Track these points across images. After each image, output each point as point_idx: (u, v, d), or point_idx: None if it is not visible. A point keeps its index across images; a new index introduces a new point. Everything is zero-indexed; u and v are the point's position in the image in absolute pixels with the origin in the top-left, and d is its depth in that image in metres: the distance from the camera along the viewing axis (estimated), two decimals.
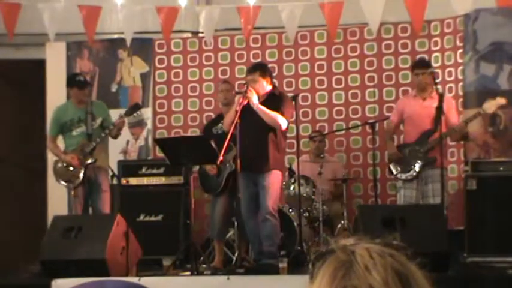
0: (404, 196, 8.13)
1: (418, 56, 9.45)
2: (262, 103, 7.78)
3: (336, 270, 1.44)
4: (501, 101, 8.17)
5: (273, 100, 7.79)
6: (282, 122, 7.65)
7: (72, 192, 8.49)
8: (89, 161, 8.31)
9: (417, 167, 8.06)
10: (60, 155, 8.50)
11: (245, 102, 7.57)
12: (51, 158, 8.99)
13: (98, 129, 8.43)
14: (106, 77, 10.34)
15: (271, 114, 7.59)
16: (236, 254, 8.25)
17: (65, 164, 8.42)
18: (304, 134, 9.55)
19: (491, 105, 8.17)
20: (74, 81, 8.57)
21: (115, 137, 8.55)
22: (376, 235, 1.54)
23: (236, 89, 8.74)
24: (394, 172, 8.28)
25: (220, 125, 8.35)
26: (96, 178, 8.44)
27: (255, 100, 7.56)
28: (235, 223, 8.18)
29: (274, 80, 8.24)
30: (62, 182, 8.48)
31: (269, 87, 7.85)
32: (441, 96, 7.92)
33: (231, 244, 8.62)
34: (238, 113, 7.49)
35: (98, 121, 8.45)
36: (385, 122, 8.75)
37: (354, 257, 1.45)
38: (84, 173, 8.33)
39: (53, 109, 8.86)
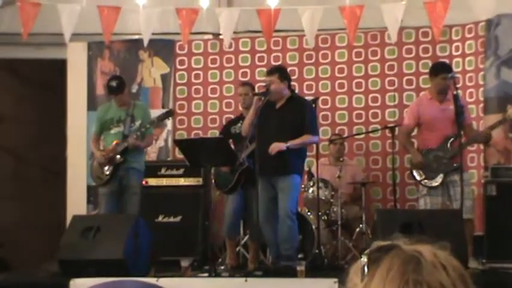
0: (431, 204, 7.92)
1: (439, 61, 9.30)
2: (281, 107, 7.81)
3: (404, 264, 1.46)
4: None
5: (293, 105, 7.80)
6: (315, 139, 8.00)
7: (100, 190, 8.51)
8: (117, 159, 8.30)
9: (442, 175, 7.91)
10: (95, 153, 8.54)
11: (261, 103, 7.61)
12: (70, 158, 9.03)
13: (135, 131, 8.42)
14: (127, 77, 10.27)
15: (303, 141, 7.76)
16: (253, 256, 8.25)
17: (95, 162, 8.49)
18: (324, 137, 9.54)
19: None
20: (106, 86, 8.60)
21: (132, 147, 8.43)
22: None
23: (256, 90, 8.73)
24: (418, 178, 8.07)
25: (239, 124, 8.37)
26: (128, 180, 8.36)
27: (281, 146, 7.63)
28: (251, 225, 8.19)
29: (294, 83, 8.24)
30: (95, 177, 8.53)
31: (287, 91, 7.87)
32: (456, 98, 7.78)
33: (248, 246, 8.61)
34: (256, 114, 7.51)
35: (137, 123, 8.43)
36: (397, 128, 8.61)
37: (420, 254, 1.46)
38: (113, 172, 8.34)
39: (98, 108, 8.98)
